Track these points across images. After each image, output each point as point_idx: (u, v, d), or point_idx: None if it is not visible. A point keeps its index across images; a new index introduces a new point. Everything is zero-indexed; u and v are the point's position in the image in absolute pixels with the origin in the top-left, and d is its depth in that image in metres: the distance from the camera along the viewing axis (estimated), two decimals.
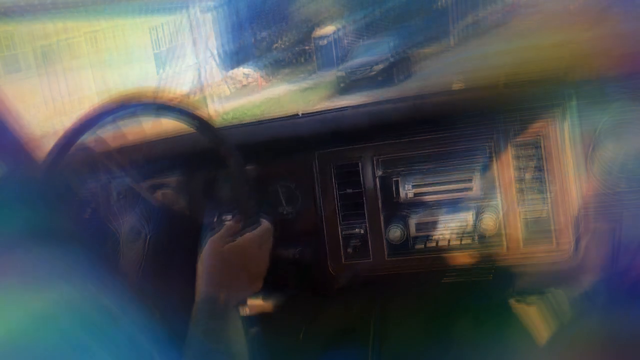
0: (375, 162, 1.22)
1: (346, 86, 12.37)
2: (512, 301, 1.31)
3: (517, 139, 1.13)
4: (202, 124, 1.01)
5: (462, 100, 1.21)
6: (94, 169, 1.19)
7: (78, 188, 1.15)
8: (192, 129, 1.01)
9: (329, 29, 18.44)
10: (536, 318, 1.27)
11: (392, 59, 12.98)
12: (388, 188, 1.22)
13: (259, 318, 1.05)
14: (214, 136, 1.01)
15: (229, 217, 1.22)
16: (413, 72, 13.11)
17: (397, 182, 1.21)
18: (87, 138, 1.03)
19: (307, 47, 18.03)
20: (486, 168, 1.16)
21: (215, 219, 1.21)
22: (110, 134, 1.15)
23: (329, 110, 1.26)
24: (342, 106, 1.26)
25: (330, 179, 1.24)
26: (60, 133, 0.99)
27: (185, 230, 1.16)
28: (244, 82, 15.19)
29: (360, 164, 1.22)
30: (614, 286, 1.05)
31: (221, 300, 0.85)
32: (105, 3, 11.58)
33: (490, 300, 1.27)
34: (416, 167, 1.20)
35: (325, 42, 17.35)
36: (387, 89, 11.28)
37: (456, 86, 1.27)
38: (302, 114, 1.27)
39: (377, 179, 1.22)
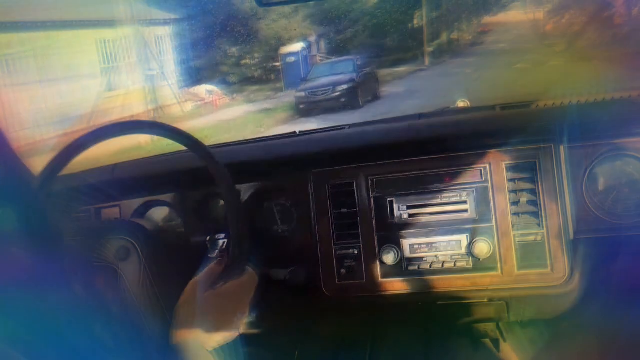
0: (370, 182, 1.24)
1: (306, 108, 11.96)
2: (504, 324, 1.34)
3: (513, 162, 1.17)
4: (192, 143, 1.02)
5: (459, 122, 1.24)
6: (83, 188, 1.18)
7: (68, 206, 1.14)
8: (183, 147, 1.02)
9: (297, 46, 18.35)
10: (528, 342, 1.31)
11: (357, 80, 12.58)
12: (383, 208, 1.24)
13: (252, 338, 1.06)
14: (204, 155, 1.03)
15: (222, 236, 1.22)
16: (381, 94, 13.13)
17: (391, 203, 1.23)
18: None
19: (277, 64, 17.92)
20: (481, 191, 1.19)
21: (207, 238, 1.20)
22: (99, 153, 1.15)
23: (326, 129, 1.28)
24: (339, 125, 1.29)
25: (325, 198, 1.26)
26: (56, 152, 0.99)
27: (177, 249, 1.16)
28: (207, 100, 14.94)
29: (355, 183, 1.24)
30: (609, 310, 1.09)
31: (196, 345, 0.87)
32: (52, 17, 11.27)
33: (484, 323, 1.30)
34: (411, 188, 1.22)
35: (293, 59, 17.07)
36: (351, 112, 11.09)
37: (461, 104, 1.31)
38: (300, 132, 1.28)
39: (372, 200, 1.24)
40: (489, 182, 1.18)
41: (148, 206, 1.31)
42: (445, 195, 1.21)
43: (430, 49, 17.18)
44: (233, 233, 1.02)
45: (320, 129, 1.31)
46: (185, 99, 14.97)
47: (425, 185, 1.22)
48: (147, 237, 1.10)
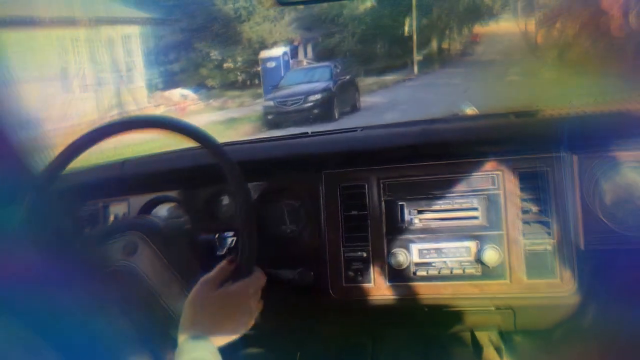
0: (382, 185, 1.27)
1: (275, 119, 11.14)
2: (508, 333, 1.37)
3: (525, 170, 1.20)
4: (205, 140, 1.04)
5: (472, 128, 1.28)
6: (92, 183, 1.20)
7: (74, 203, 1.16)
8: (195, 144, 1.05)
9: (277, 50, 18.15)
10: (532, 351, 1.34)
11: (334, 89, 11.67)
12: (393, 212, 1.27)
13: (255, 337, 1.08)
14: (216, 152, 1.05)
15: (230, 234, 1.24)
16: (361, 105, 12.37)
17: (402, 207, 1.27)
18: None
19: (258, 69, 17.75)
20: (493, 198, 1.22)
21: (216, 236, 1.23)
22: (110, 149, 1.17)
23: (339, 130, 1.31)
24: (352, 127, 1.32)
25: (335, 200, 1.29)
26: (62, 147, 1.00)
27: (185, 245, 1.18)
28: (180, 104, 14.70)
29: (366, 186, 1.28)
30: (617, 321, 1.12)
31: (202, 342, 0.90)
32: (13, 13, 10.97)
33: (491, 331, 1.33)
34: (423, 193, 1.26)
35: (273, 64, 16.69)
36: (325, 124, 10.31)
37: (469, 112, 1.35)
38: (312, 132, 1.31)
39: (383, 203, 1.27)
40: (501, 189, 1.22)
41: (156, 202, 1.33)
42: (456, 201, 1.24)
43: (420, 58, 17.31)
44: (243, 232, 1.04)
45: (332, 130, 1.34)
46: (158, 102, 14.74)
47: (436, 190, 1.25)
48: (156, 230, 1.12)
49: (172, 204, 1.33)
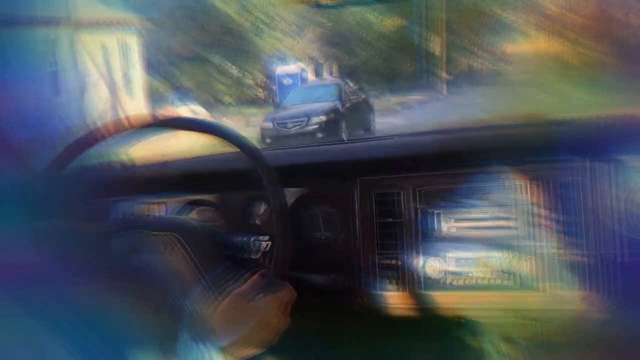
0: (417, 193, 1.31)
1: (274, 143, 9.81)
2: (540, 345, 1.38)
3: (561, 179, 1.22)
4: (244, 144, 1.11)
5: (510, 136, 1.32)
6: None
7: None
8: (233, 148, 1.11)
9: (294, 66, 18.03)
10: None
11: (343, 109, 10.83)
12: (428, 220, 1.30)
13: (284, 344, 1.12)
14: (255, 157, 1.11)
15: (265, 238, 1.29)
16: (376, 128, 11.57)
17: (438, 215, 1.30)
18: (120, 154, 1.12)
19: (274, 86, 17.65)
20: (527, 207, 1.24)
21: (252, 239, 1.28)
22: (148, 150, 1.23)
23: (374, 138, 1.36)
24: (387, 135, 1.37)
25: (370, 207, 1.33)
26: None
27: (219, 249, 1.23)
28: None
29: (402, 193, 1.31)
30: None
31: (231, 352, 0.95)
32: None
33: (520, 343, 1.35)
34: (459, 201, 1.29)
35: (289, 81, 16.37)
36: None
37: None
38: (347, 139, 1.36)
39: (418, 211, 1.31)
40: (535, 198, 1.24)
41: (192, 205, 1.39)
42: (491, 209, 1.27)
43: (449, 77, 17.34)
44: (278, 237, 1.09)
45: (368, 137, 1.39)
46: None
47: (472, 198, 1.28)
48: (192, 231, 1.18)
49: (206, 208, 1.39)
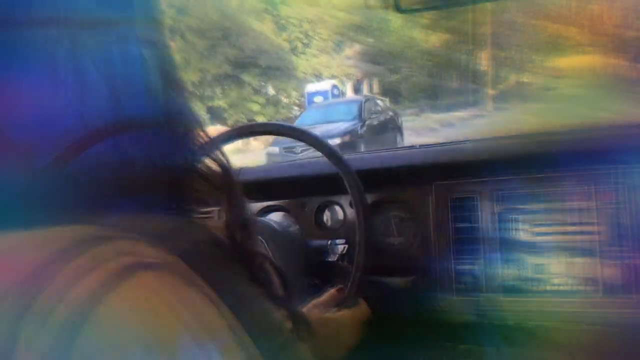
0: (494, 197, 1.34)
1: None
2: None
3: None
4: (328, 150, 1.17)
5: (590, 139, 1.34)
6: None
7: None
8: (318, 154, 1.17)
9: (325, 84, 17.82)
10: None
11: (361, 130, 10.20)
12: (507, 225, 1.33)
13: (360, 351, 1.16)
14: (338, 162, 1.17)
15: (342, 241, 1.34)
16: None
17: (516, 220, 1.33)
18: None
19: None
20: (613, 212, 1.25)
21: (328, 242, 1.33)
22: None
23: (447, 143, 1.40)
24: (461, 140, 1.41)
25: (446, 211, 1.37)
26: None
27: (297, 253, 1.29)
28: None
29: (478, 198, 1.35)
30: None
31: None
32: None
33: (607, 351, 1.35)
34: (537, 206, 1.31)
35: (320, 99, 15.88)
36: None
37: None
38: (420, 145, 1.41)
39: (496, 215, 1.34)
40: (621, 202, 1.25)
41: (269, 211, 1.46)
42: (573, 214, 1.28)
43: (495, 92, 17.20)
44: (360, 240, 1.14)
45: (441, 142, 1.44)
46: None
47: (552, 202, 1.30)
48: (273, 234, 1.24)
49: (284, 213, 1.46)
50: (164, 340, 0.38)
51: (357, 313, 1.11)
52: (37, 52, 0.46)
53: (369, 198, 1.41)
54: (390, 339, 1.38)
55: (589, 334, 1.33)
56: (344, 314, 1.08)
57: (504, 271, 1.31)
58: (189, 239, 0.47)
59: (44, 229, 0.41)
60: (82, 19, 0.48)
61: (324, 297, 1.10)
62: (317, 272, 1.30)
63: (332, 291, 1.13)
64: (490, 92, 17.25)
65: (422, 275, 1.37)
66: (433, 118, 15.51)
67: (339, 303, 1.10)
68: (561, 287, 1.29)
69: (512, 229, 1.33)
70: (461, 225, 1.36)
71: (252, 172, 1.49)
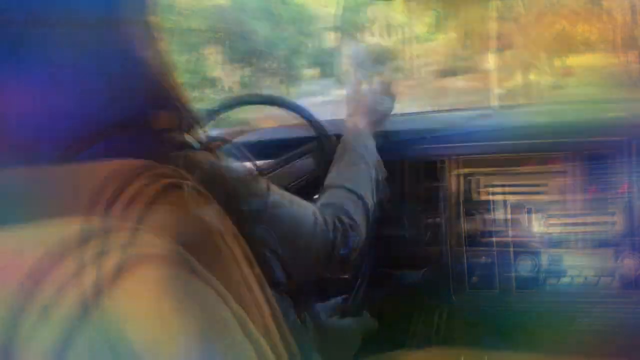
0: (508, 190, 1.35)
1: None
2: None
3: None
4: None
5: (604, 129, 1.34)
6: None
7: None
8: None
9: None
10: None
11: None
12: (521, 218, 1.34)
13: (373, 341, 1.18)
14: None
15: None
16: None
17: (530, 212, 1.34)
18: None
19: None
20: (631, 203, 1.26)
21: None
22: None
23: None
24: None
25: (458, 204, 1.38)
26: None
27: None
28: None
29: (492, 191, 1.36)
30: None
31: None
32: None
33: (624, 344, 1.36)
34: (553, 198, 1.32)
35: None
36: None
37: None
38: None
39: (510, 208, 1.35)
40: (636, 194, 1.26)
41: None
42: (590, 206, 1.29)
43: (501, 91, 17.16)
44: (362, 273, 1.17)
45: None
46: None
47: (568, 194, 1.31)
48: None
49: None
50: (170, 337, 0.39)
51: (360, 323, 1.14)
52: (37, 52, 0.48)
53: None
54: (403, 331, 1.39)
55: (606, 326, 1.34)
56: (346, 323, 1.12)
57: (519, 264, 1.32)
58: (191, 229, 0.47)
59: (44, 223, 0.41)
60: (81, 19, 0.50)
61: (330, 304, 1.13)
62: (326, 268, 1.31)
63: (337, 300, 1.15)
64: (496, 90, 17.17)
65: (434, 268, 1.38)
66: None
67: (345, 312, 1.13)
68: (577, 280, 1.30)
69: (527, 222, 1.33)
70: (475, 217, 1.37)
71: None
